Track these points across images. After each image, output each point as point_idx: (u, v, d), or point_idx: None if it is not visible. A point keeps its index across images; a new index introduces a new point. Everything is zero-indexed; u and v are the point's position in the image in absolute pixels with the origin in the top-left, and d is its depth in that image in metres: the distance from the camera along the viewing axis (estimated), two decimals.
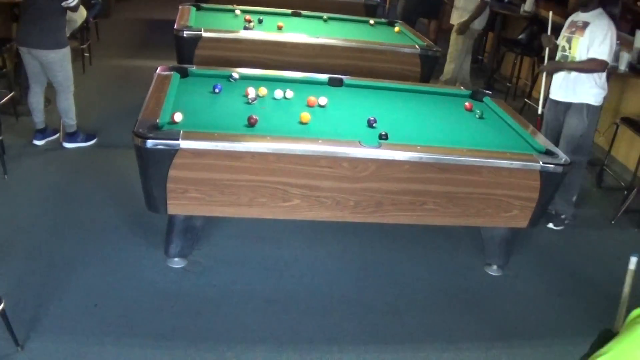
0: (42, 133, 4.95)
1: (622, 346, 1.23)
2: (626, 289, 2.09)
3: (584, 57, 4.33)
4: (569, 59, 4.45)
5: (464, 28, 6.76)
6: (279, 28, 5.55)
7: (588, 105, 4.41)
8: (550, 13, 4.93)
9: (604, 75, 4.38)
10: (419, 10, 8.14)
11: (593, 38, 4.27)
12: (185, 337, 3.01)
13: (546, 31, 4.84)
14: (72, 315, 3.07)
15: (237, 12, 6.00)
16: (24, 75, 5.62)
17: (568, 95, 4.47)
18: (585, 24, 4.34)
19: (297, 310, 3.32)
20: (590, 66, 4.29)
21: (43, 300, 3.14)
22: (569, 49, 4.44)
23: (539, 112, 4.98)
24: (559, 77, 4.55)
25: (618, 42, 5.58)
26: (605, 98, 4.50)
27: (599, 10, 4.35)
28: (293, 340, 3.09)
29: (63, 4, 4.57)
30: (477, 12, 6.68)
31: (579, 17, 4.45)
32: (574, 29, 4.43)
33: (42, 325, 2.96)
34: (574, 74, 4.41)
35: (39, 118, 4.92)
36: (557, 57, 4.58)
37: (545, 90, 4.76)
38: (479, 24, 6.86)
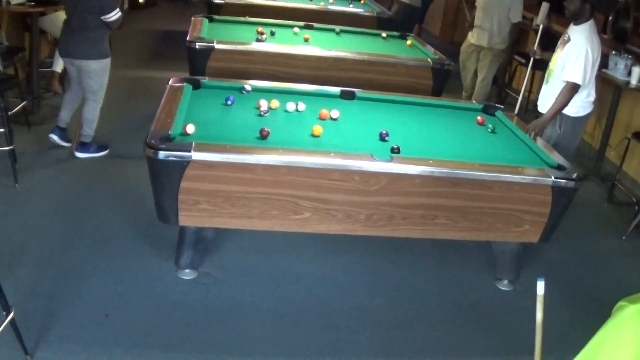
0: (62, 131, 4.98)
1: (603, 332, 1.25)
2: (539, 315, 1.94)
3: (559, 74, 4.31)
4: (548, 71, 4.50)
5: (504, 54, 6.84)
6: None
7: (562, 115, 4.37)
8: (541, 26, 5.19)
9: (587, 87, 4.31)
10: (415, 15, 8.91)
11: (568, 57, 4.24)
12: (195, 348, 3.00)
13: (552, 45, 4.86)
14: (82, 325, 3.07)
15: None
16: (35, 81, 5.70)
17: (547, 106, 4.41)
18: (568, 40, 4.32)
19: (307, 323, 3.31)
20: (564, 101, 4.22)
21: (53, 309, 3.14)
22: (553, 60, 4.48)
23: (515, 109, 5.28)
24: (542, 91, 4.58)
25: (615, 52, 5.60)
26: (594, 106, 4.46)
27: (583, 26, 4.25)
28: (302, 353, 3.08)
29: (102, 17, 4.60)
30: (513, 35, 6.69)
31: (569, 29, 4.41)
32: (561, 42, 4.43)
33: (51, 335, 2.96)
34: (550, 86, 4.42)
35: (65, 116, 4.97)
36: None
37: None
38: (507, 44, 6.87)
